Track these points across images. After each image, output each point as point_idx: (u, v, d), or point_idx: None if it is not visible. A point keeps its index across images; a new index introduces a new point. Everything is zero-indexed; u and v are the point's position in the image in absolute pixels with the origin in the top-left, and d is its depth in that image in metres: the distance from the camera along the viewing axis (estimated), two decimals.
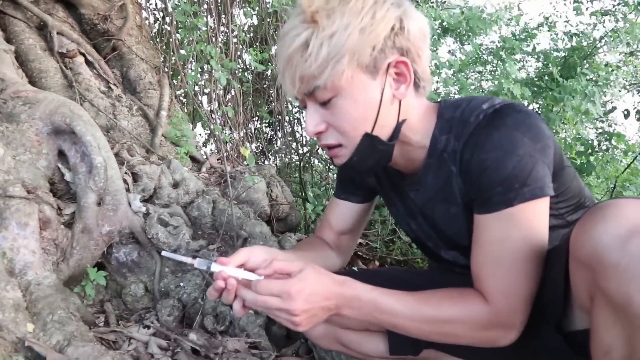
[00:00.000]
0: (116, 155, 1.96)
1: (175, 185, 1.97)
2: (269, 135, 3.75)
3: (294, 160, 3.31)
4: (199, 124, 3.48)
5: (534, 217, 0.90)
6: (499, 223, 0.90)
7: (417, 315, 0.94)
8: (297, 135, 3.49)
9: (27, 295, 1.40)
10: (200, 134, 3.64)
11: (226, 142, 2.68)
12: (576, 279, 0.83)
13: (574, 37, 3.49)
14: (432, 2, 4.29)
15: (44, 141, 1.74)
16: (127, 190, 1.82)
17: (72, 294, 1.55)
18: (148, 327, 1.56)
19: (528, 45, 3.54)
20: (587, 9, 4.13)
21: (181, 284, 1.71)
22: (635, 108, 2.77)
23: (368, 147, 0.95)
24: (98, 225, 1.69)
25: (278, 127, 3.41)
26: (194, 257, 0.96)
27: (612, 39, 3.53)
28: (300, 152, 3.18)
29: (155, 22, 3.23)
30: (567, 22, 4.18)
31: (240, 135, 2.76)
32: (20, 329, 1.30)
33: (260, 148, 3.62)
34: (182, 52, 2.64)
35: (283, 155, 3.60)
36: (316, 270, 0.93)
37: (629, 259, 0.69)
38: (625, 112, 2.64)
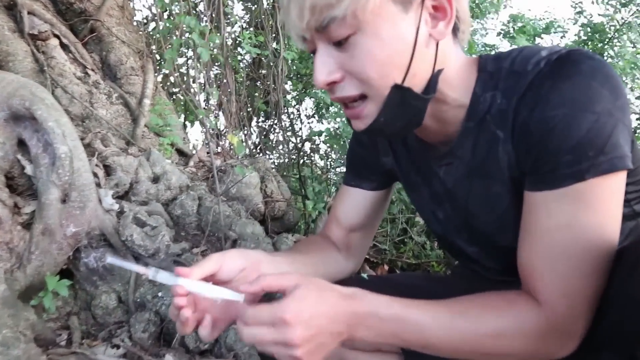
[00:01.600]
0: (88, 145, 1.72)
1: (155, 179, 1.73)
2: (267, 126, 3.50)
3: (292, 152, 3.06)
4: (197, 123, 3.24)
5: (609, 196, 0.68)
6: (565, 203, 0.68)
7: (454, 331, 0.72)
8: (296, 127, 3.26)
9: None
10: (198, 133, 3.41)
11: (218, 133, 2.43)
12: None
13: (595, 25, 3.25)
14: None
15: (0, 128, 1.50)
16: (98, 185, 1.58)
17: (27, 307, 1.30)
18: (117, 346, 1.32)
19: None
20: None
21: (159, 294, 1.47)
22: None
23: (398, 102, 0.72)
24: (62, 226, 1.45)
25: (275, 119, 3.16)
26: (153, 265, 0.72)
27: (632, 26, 3.30)
28: (299, 145, 2.94)
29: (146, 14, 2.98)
30: (582, 12, 3.93)
31: (232, 125, 2.51)
32: None
33: (257, 142, 3.38)
34: (171, 45, 2.38)
35: (280, 148, 3.35)
36: (316, 284, 0.71)
37: None
38: None
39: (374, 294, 0.75)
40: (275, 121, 3.18)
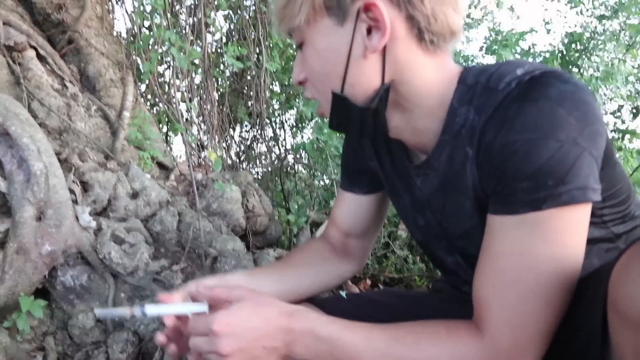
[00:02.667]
0: (65, 161, 1.69)
1: (134, 195, 1.70)
2: (250, 137, 3.47)
3: (275, 164, 3.05)
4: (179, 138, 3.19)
5: (567, 229, 0.66)
6: (519, 230, 0.66)
7: (389, 357, 0.71)
8: (280, 138, 3.24)
9: None
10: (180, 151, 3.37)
11: (200, 144, 2.41)
12: (620, 339, 0.58)
13: (572, 35, 3.30)
14: None
15: None
16: (75, 202, 1.54)
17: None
18: None
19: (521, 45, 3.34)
20: (587, 9, 3.99)
21: None
22: None
23: (342, 108, 0.78)
24: (37, 245, 1.42)
25: (258, 131, 3.14)
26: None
27: (610, 37, 3.36)
28: (282, 156, 2.92)
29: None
30: (565, 23, 3.99)
31: (214, 136, 2.49)
32: None
33: (241, 153, 3.36)
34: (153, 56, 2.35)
35: (264, 159, 3.33)
36: (256, 299, 0.74)
37: None
38: (635, 111, 2.44)
39: (316, 313, 0.77)
40: (259, 132, 3.17)
